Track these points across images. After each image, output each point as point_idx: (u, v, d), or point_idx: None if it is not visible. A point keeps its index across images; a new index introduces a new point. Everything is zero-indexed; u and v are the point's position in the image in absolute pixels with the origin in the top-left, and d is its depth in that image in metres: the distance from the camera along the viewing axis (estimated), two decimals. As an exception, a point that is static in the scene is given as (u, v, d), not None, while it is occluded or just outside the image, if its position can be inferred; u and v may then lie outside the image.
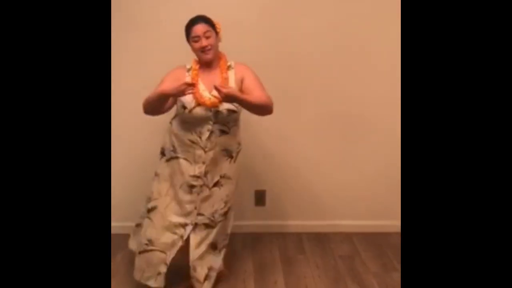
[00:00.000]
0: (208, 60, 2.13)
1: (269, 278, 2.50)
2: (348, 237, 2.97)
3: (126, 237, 2.91)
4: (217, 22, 2.17)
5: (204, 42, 2.08)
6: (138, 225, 2.40)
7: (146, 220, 2.26)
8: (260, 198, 3.00)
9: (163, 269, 2.21)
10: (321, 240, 2.93)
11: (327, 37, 2.77)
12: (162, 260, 2.20)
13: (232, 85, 2.13)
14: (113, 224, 2.98)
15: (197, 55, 2.15)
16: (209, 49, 2.10)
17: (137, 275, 2.26)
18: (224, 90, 1.93)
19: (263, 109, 2.13)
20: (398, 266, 2.60)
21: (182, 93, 1.97)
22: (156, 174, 2.27)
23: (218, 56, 2.18)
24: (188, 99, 2.08)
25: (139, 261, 2.25)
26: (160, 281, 2.21)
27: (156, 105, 2.09)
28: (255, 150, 2.91)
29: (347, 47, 2.78)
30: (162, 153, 2.26)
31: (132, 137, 2.90)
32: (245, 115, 2.25)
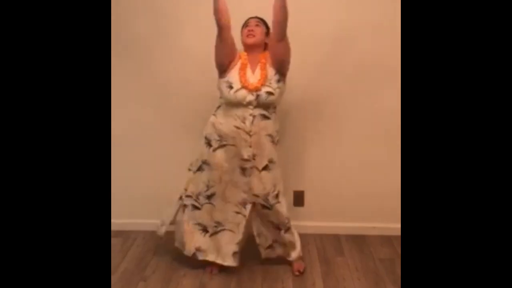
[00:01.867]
0: (249, 43, 2.34)
1: (307, 279, 2.48)
2: (387, 240, 2.91)
3: (167, 234, 2.98)
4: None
5: (251, 27, 2.34)
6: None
7: (207, 205, 2.45)
8: (298, 198, 2.99)
9: (236, 248, 2.45)
10: (360, 242, 2.89)
11: (371, 38, 2.73)
12: (232, 239, 2.45)
13: (271, 72, 2.31)
14: (152, 221, 3.05)
15: (243, 41, 2.37)
16: (253, 35, 2.32)
17: (211, 256, 2.50)
18: None
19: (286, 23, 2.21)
20: (441, 271, 2.54)
21: None
22: (205, 163, 2.42)
23: (262, 52, 2.37)
24: (235, 79, 2.29)
25: (206, 242, 2.49)
26: (236, 260, 2.47)
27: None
28: (294, 151, 2.90)
29: (386, 48, 2.73)
30: (208, 143, 2.40)
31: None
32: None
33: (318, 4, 2.70)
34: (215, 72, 2.40)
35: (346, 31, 2.72)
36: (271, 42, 2.32)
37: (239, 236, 2.44)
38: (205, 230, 2.49)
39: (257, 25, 2.34)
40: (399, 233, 2.93)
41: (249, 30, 2.33)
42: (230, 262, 2.46)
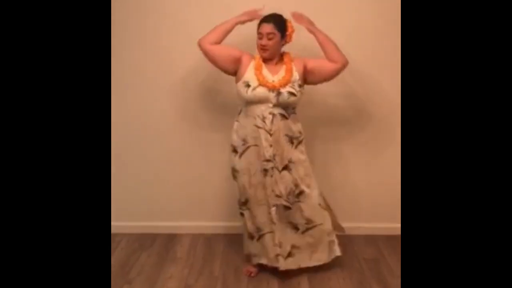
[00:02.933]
0: (264, 58, 2.34)
1: (292, 279, 2.49)
2: (372, 239, 2.94)
3: (150, 237, 2.96)
4: (290, 21, 2.36)
5: (264, 42, 2.29)
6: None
7: (246, 212, 2.46)
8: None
9: (277, 250, 2.43)
10: (344, 242, 2.88)
11: (361, 38, 2.74)
12: (272, 241, 2.43)
13: (295, 76, 2.33)
14: (137, 224, 3.03)
15: (258, 49, 2.36)
16: (267, 49, 2.30)
17: (263, 259, 2.50)
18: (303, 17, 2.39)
19: (337, 49, 2.36)
20: (424, 270, 2.56)
21: (253, 15, 2.36)
22: (235, 170, 2.43)
23: (280, 54, 2.39)
24: (252, 78, 2.29)
25: (257, 247, 2.49)
26: (282, 263, 2.46)
27: (221, 34, 2.33)
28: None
29: (373, 51, 2.75)
30: (234, 151, 2.41)
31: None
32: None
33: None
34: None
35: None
36: (325, 61, 2.36)
37: (277, 238, 2.43)
38: (251, 236, 2.49)
39: (269, 39, 2.27)
40: (383, 232, 2.97)
41: (262, 45, 2.30)
42: (276, 263, 2.47)
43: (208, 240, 2.95)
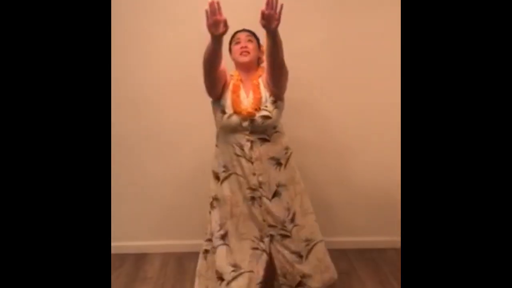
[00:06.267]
0: (244, 62, 2.09)
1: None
2: (343, 253, 2.94)
3: (119, 257, 2.90)
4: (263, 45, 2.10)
5: (243, 44, 2.08)
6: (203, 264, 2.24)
7: (221, 248, 2.11)
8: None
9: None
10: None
11: (324, 53, 2.77)
12: (253, 280, 2.07)
13: (262, 88, 2.08)
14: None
15: (235, 60, 2.12)
16: (248, 52, 2.08)
17: None
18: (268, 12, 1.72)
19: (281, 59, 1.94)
20: (395, 283, 2.58)
21: (214, 16, 1.73)
22: (215, 199, 2.16)
23: (257, 69, 2.14)
24: (228, 104, 2.05)
25: None
26: None
27: (212, 52, 1.89)
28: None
29: (344, 62, 2.78)
30: (216, 177, 2.16)
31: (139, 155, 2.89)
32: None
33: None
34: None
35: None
36: (266, 80, 2.05)
37: (259, 276, 2.08)
38: (221, 278, 2.08)
39: (249, 40, 2.09)
40: (354, 246, 2.98)
41: (242, 48, 2.08)
42: None
43: (179, 258, 2.92)
